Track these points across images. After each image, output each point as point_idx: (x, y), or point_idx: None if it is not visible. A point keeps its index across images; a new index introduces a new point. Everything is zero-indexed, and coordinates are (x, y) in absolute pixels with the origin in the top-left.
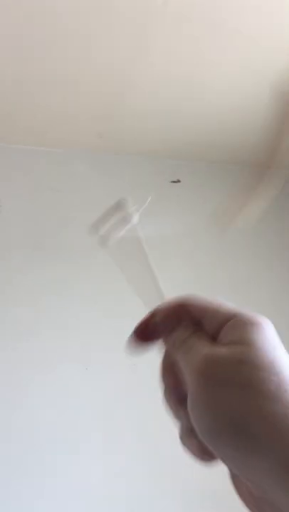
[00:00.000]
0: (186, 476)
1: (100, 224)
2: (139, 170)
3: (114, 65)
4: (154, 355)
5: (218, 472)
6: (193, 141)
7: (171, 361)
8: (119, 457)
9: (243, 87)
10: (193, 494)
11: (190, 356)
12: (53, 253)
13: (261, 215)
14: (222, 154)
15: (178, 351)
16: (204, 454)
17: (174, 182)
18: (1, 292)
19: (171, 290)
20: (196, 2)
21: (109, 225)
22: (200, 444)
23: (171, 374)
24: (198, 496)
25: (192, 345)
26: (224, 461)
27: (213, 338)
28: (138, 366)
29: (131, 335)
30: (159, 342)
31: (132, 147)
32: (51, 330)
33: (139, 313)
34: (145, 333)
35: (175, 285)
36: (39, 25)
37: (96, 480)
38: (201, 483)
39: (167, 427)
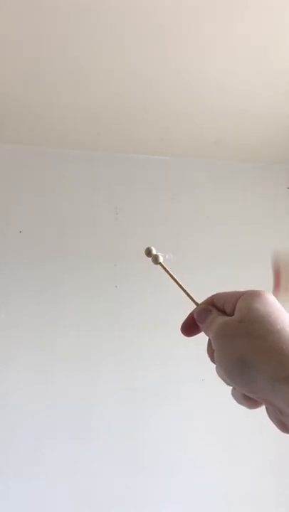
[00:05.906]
0: None
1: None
2: None
3: None
4: None
5: None
6: None
7: (209, 341)
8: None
9: None
10: None
11: (212, 328)
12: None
13: None
14: None
15: (208, 330)
16: (247, 401)
17: None
18: None
19: None
20: None
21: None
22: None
23: (211, 351)
24: None
25: (214, 321)
26: (247, 392)
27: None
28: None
29: (180, 328)
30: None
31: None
32: None
33: None
34: (187, 325)
35: None
36: None
37: None
38: None
39: None
